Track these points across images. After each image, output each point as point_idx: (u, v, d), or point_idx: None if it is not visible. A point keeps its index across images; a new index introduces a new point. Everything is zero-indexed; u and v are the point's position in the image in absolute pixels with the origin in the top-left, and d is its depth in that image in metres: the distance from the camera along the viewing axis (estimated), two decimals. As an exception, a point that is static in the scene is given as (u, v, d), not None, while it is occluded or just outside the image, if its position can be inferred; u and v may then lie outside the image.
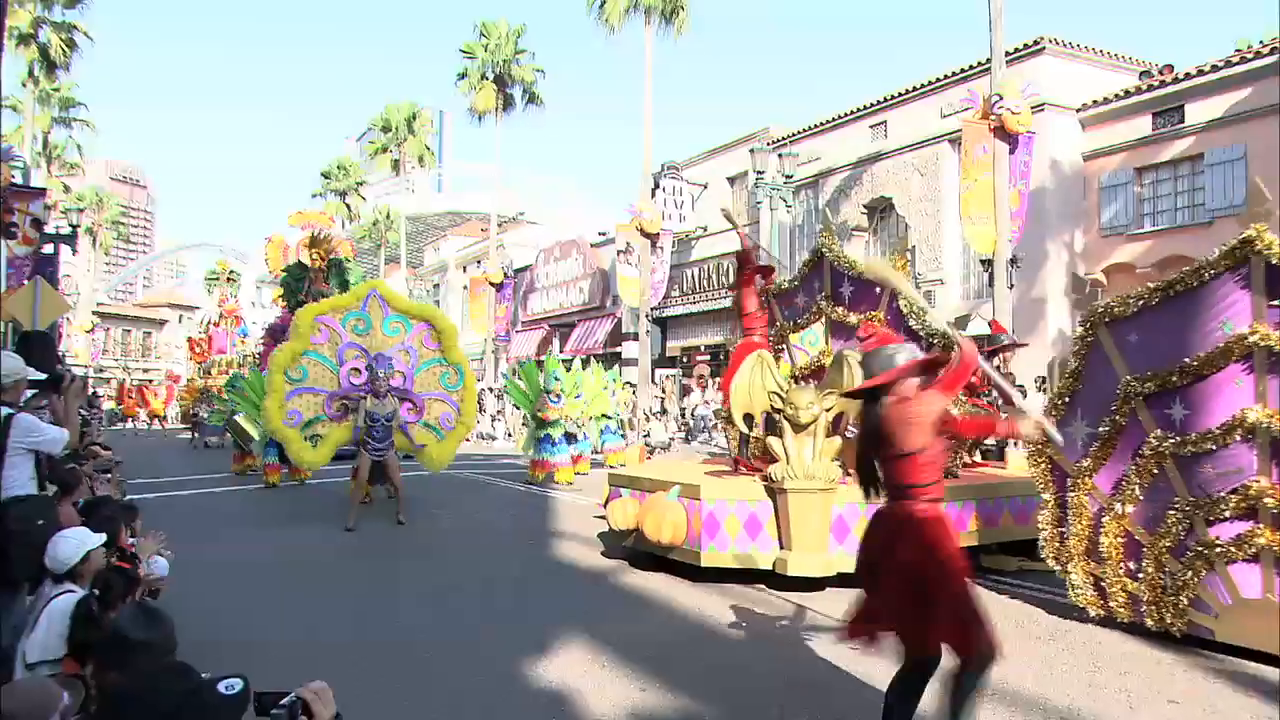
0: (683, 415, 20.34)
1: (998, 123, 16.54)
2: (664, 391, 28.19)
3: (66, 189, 45.50)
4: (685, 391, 28.96)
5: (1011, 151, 16.95)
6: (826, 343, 8.76)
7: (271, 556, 8.44)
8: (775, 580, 6.70)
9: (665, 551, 7.09)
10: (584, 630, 5.61)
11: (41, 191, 19.00)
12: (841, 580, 6.31)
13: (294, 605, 6.51)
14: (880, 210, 23.28)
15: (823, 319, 8.66)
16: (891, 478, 3.54)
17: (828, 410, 6.63)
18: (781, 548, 6.69)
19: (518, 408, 25.77)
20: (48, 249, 19.70)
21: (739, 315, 8.00)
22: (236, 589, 6.94)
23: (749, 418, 7.26)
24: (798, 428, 6.55)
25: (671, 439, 23.95)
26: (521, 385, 15.17)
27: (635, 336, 28.60)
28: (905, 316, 7.61)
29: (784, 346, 8.96)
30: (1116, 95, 18.68)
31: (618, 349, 30.67)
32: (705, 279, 28.84)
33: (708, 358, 29.27)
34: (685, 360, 30.46)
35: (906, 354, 3.60)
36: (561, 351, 31.92)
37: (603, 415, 16.45)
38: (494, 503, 12.51)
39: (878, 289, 7.89)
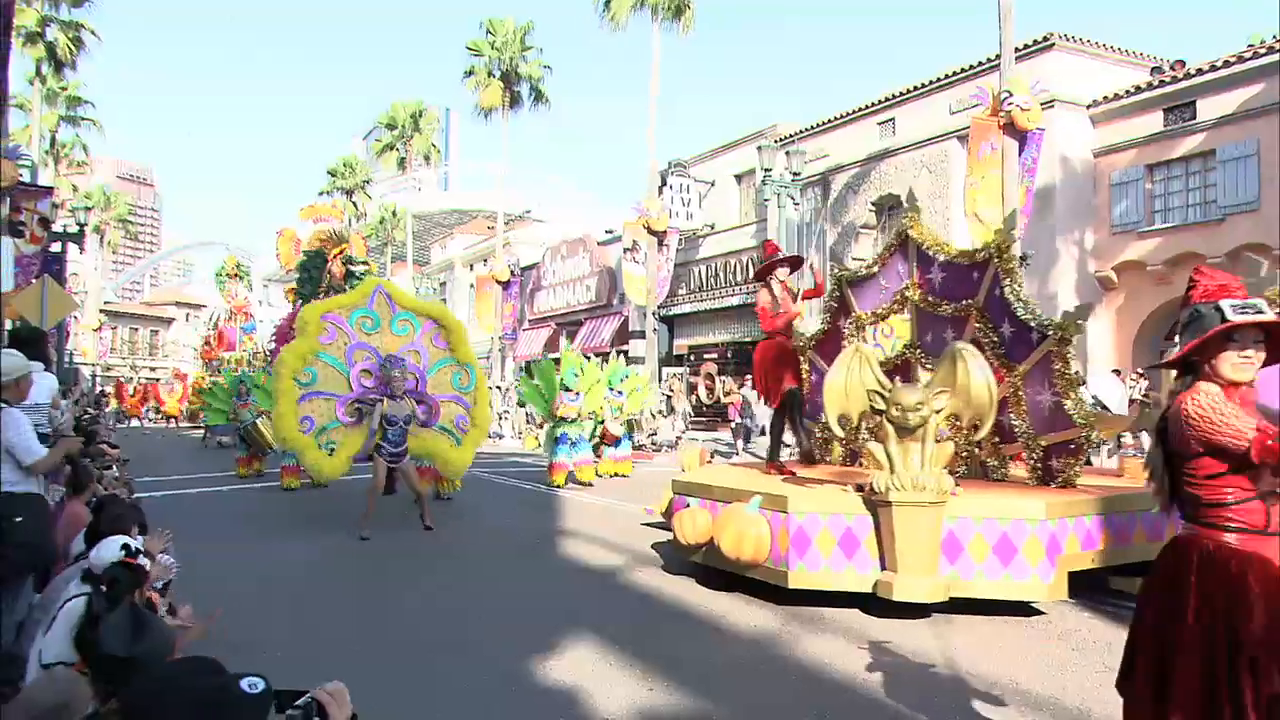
0: (739, 415, 20.38)
1: (1007, 119, 16.53)
2: (671, 390, 28.23)
3: (74, 188, 45.90)
4: (691, 389, 29.01)
5: (1021, 148, 16.99)
6: (913, 336, 8.00)
7: (283, 559, 8.33)
8: (874, 605, 5.98)
9: (744, 570, 6.41)
10: (659, 661, 5.04)
11: (49, 190, 19.29)
12: (951, 605, 5.82)
13: (306, 607, 6.46)
14: (889, 208, 23.23)
15: (907, 308, 7.93)
16: (1192, 491, 2.57)
17: (938, 412, 5.91)
18: (883, 568, 5.93)
19: (521, 405, 26.17)
20: (55, 247, 19.93)
21: (773, 307, 7.74)
22: (244, 591, 6.80)
23: (844, 419, 6.61)
24: (903, 432, 5.85)
25: (679, 437, 24.06)
26: (537, 383, 14.96)
27: (642, 335, 28.61)
28: (1010, 305, 6.70)
29: (859, 340, 8.11)
30: (1127, 91, 18.65)
31: (625, 347, 30.63)
32: (712, 277, 28.76)
33: (715, 356, 29.29)
34: (692, 359, 30.49)
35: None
36: (569, 349, 31.87)
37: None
38: (517, 507, 12.04)
39: (975, 273, 7.11)
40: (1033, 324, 6.51)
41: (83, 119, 40.63)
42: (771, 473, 7.60)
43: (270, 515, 11.51)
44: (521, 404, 26.11)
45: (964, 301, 7.22)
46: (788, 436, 8.46)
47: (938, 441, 5.93)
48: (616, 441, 15.74)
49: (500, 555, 8.66)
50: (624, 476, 15.28)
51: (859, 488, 6.24)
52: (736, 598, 6.46)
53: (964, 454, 7.20)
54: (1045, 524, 5.75)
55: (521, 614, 6.24)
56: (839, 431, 6.69)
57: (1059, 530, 5.84)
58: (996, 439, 6.92)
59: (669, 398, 27.14)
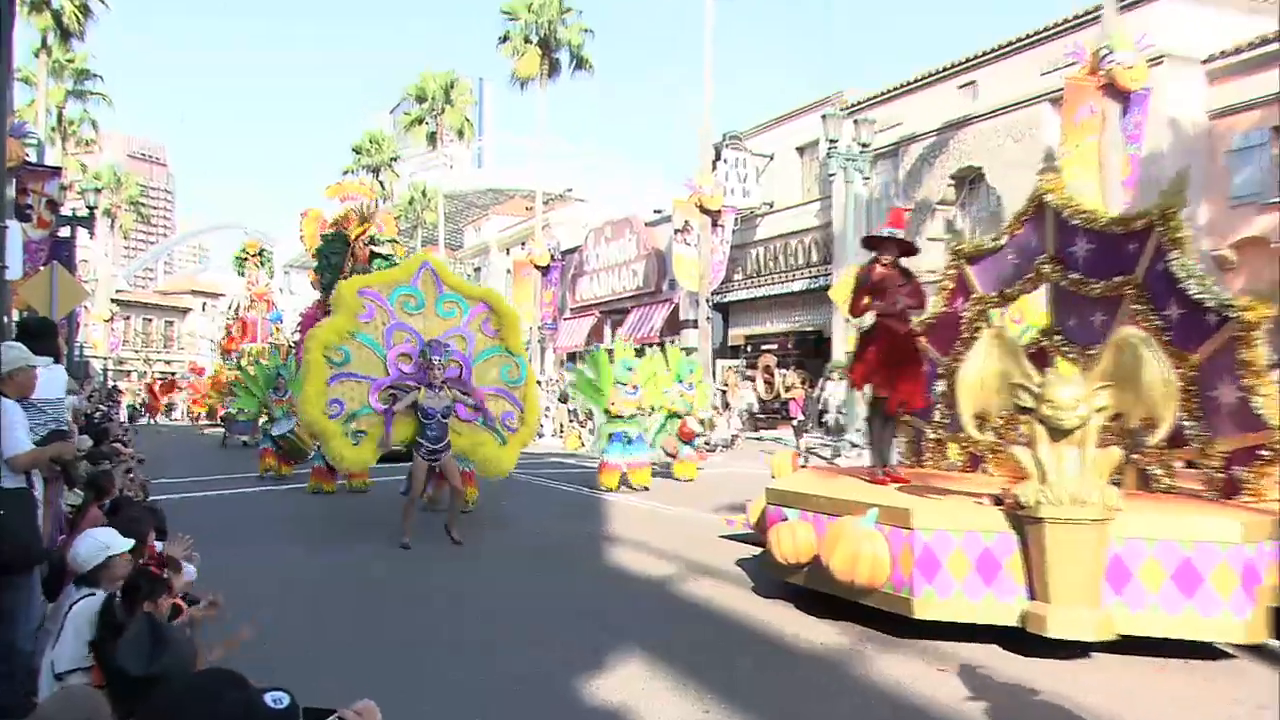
0: (821, 413, 20.00)
1: (1107, 79, 15.91)
2: (726, 384, 27.80)
3: (83, 168, 46.31)
4: (748, 384, 28.57)
5: (1124, 112, 16.27)
6: (1051, 320, 7.47)
7: (312, 568, 8.23)
8: (1020, 641, 5.44)
9: (857, 595, 5.97)
10: (719, 683, 4.88)
11: (57, 170, 19.14)
12: (1121, 646, 5.25)
13: (335, 622, 6.37)
14: (969, 181, 22.61)
15: (1042, 288, 7.42)
16: None
17: (1100, 410, 5.34)
18: (1032, 597, 5.37)
19: (563, 401, 25.89)
20: (64, 232, 19.87)
21: (871, 290, 7.15)
22: (270, 602, 6.68)
23: (980, 419, 6.09)
24: (1057, 433, 5.27)
25: (735, 436, 23.66)
26: (590, 375, 14.71)
27: (694, 324, 28.23)
28: (1179, 281, 6.00)
29: (982, 325, 7.47)
30: (1250, 44, 17.77)
31: (675, 338, 30.27)
32: (771, 260, 28.45)
33: (774, 347, 28.88)
34: (749, 350, 30.05)
35: None
36: (615, 339, 31.66)
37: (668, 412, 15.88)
38: (562, 512, 11.81)
39: (1132, 244, 6.42)
40: (1211, 304, 5.80)
41: (91, 93, 40.98)
42: (882, 480, 7.03)
43: (299, 520, 11.41)
44: (563, 399, 25.80)
45: (1117, 278, 6.54)
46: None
47: (1099, 446, 5.29)
48: (690, 441, 15.46)
49: (543, 564, 8.47)
50: (690, 480, 14.93)
51: (998, 500, 5.70)
52: (853, 628, 6.00)
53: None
54: (1241, 549, 5.09)
55: (565, 627, 6.20)
56: (975, 434, 6.14)
57: (1258, 556, 5.16)
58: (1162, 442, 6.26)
59: (723, 392, 26.70)
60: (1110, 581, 5.27)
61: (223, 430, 26.42)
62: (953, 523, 5.66)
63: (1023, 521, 5.37)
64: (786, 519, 6.70)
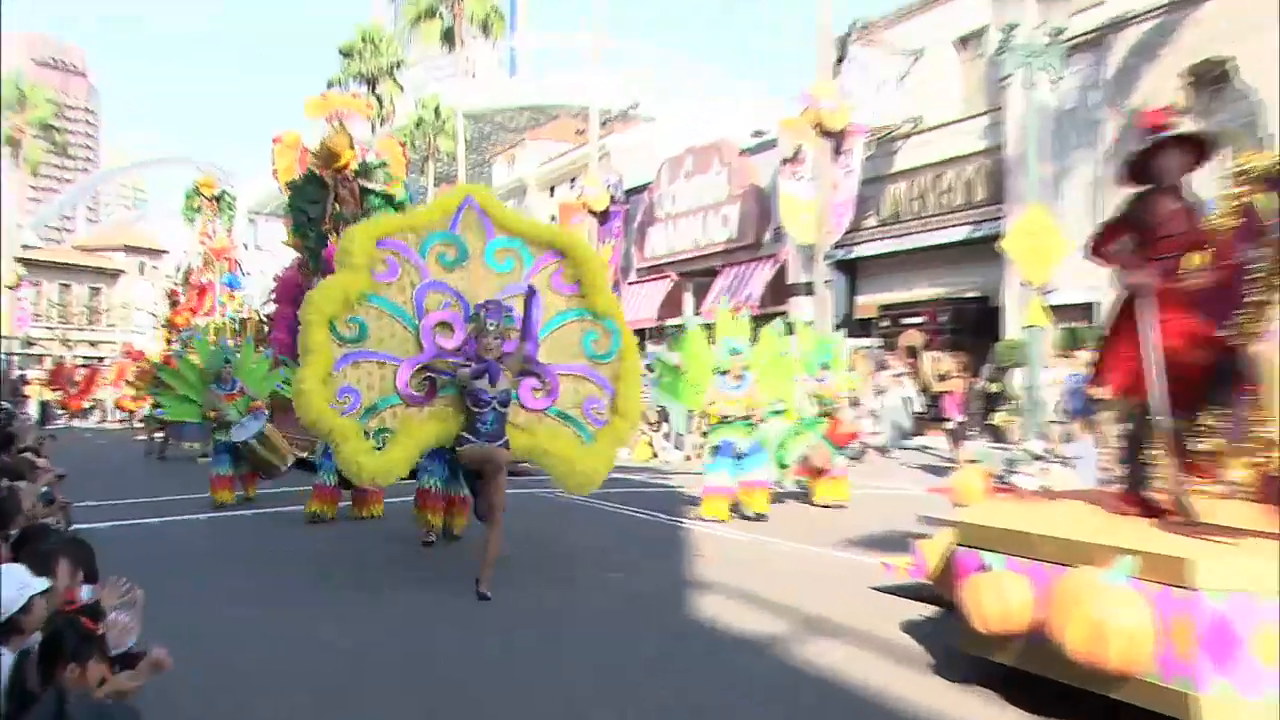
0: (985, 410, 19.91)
1: None
2: (853, 370, 27.43)
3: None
4: (883, 369, 28.14)
5: None
6: None
7: (316, 628, 8.15)
8: None
9: (1103, 686, 5.72)
10: None
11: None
12: None
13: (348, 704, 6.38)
14: (1211, 80, 21.96)
15: None
16: None
17: None
18: None
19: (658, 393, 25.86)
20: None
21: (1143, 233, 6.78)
22: (237, 672, 6.75)
23: None
24: None
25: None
26: (677, 363, 14.60)
27: (809, 289, 28.19)
28: None
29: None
30: None
31: (782, 308, 30.18)
32: (916, 199, 28.17)
33: (920, 320, 28.59)
34: (886, 324, 29.86)
35: None
36: (698, 312, 31.56)
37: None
38: (652, 553, 11.51)
39: None
40: None
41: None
42: (1131, 510, 6.73)
43: (290, 558, 11.35)
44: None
45: None
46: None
47: None
48: (846, 446, 15.50)
49: (621, 634, 8.15)
50: (841, 506, 14.77)
51: None
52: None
53: None
54: None
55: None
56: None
57: None
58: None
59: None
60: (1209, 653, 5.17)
61: (161, 437, 26.36)
62: (1259, 581, 5.31)
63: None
64: (988, 568, 6.47)
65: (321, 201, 17.86)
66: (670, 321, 35.15)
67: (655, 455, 23.71)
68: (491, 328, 9.22)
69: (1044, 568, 6.10)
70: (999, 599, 6.13)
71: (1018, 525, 6.63)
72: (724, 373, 13.54)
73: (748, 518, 13.51)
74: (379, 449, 9.25)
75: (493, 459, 9.20)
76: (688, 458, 22.76)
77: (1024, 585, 6.12)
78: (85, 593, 4.84)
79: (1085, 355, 17.34)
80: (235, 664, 6.96)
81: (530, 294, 9.63)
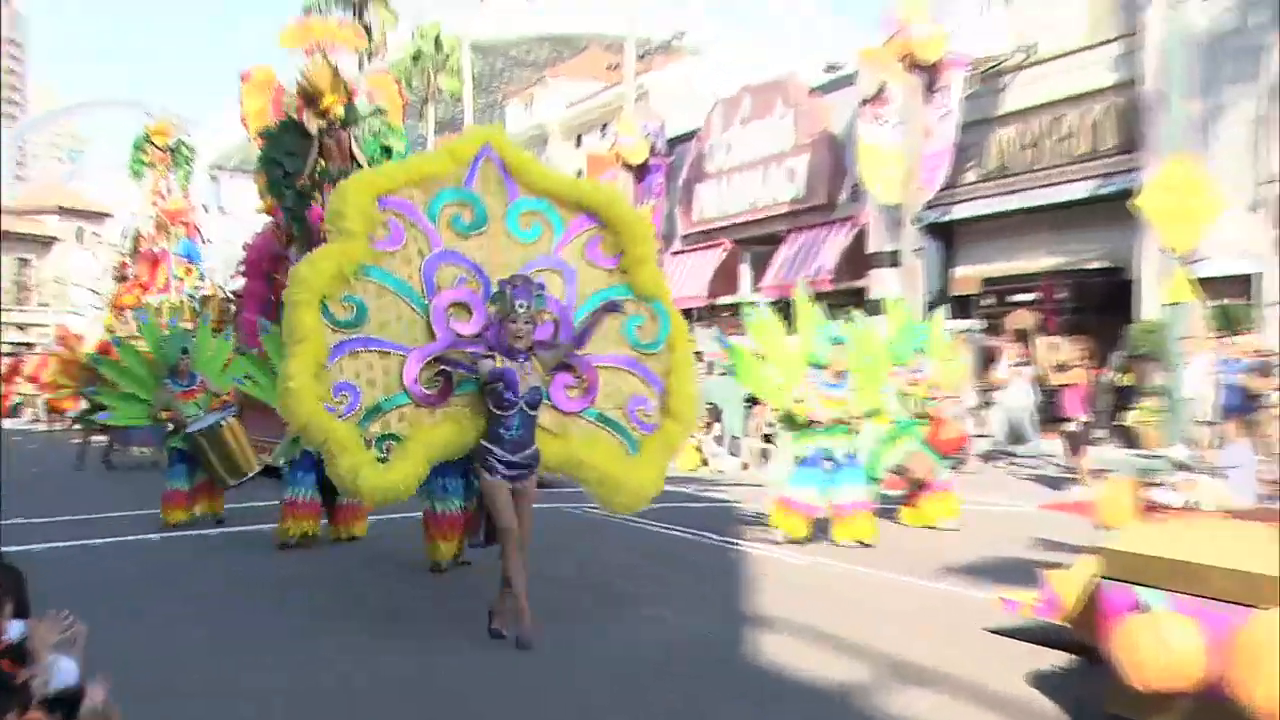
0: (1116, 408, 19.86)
1: None
2: (952, 359, 27.32)
3: None
4: (988, 359, 28.13)
5: None
6: None
7: (306, 677, 8.04)
8: None
9: None
10: None
11: None
12: None
13: None
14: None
15: None
16: None
17: None
18: None
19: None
20: None
21: None
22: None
23: None
24: None
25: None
26: (759, 351, 14.19)
27: (894, 260, 28.14)
28: None
29: None
30: None
31: (860, 282, 30.25)
32: (1029, 147, 27.78)
33: (1034, 298, 28.39)
34: (991, 302, 29.80)
35: None
36: (757, 287, 31.29)
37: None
38: (708, 584, 11.43)
39: None
40: None
41: None
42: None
43: (257, 585, 11.40)
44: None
45: None
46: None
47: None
48: (954, 455, 15.57)
49: (684, 679, 8.03)
50: (954, 528, 14.45)
51: None
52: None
53: None
54: None
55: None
56: None
57: None
58: None
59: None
60: None
61: (104, 441, 26.46)
62: None
63: None
64: (1146, 607, 6.32)
65: (301, 154, 17.69)
66: (723, 299, 35.04)
67: (705, 463, 23.61)
68: (521, 310, 8.84)
69: (1221, 609, 6.00)
70: (1160, 647, 6.02)
71: (1185, 554, 6.50)
72: (819, 367, 13.23)
73: (837, 543, 13.09)
74: (383, 460, 8.97)
75: (525, 514, 9.00)
76: (745, 466, 22.73)
77: (1192, 631, 6.00)
78: (15, 629, 4.81)
79: (1243, 339, 17.04)
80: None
81: (611, 308, 9.56)
